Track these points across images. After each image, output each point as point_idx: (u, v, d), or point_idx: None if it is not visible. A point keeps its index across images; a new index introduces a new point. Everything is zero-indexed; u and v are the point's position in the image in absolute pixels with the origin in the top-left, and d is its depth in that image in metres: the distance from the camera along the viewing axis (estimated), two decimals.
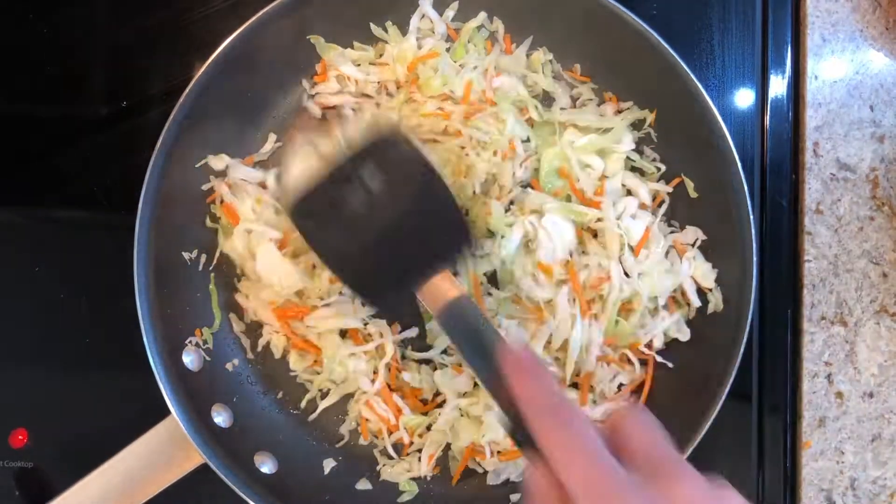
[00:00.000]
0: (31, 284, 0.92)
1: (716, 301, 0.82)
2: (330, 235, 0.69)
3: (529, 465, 0.51)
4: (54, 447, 0.89)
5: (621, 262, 0.82)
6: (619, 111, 0.87)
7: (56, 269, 0.92)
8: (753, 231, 0.78)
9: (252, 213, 0.85)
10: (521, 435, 0.52)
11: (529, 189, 0.86)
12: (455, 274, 0.68)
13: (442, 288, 0.66)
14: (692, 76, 0.79)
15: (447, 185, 0.70)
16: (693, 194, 0.85)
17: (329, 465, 0.87)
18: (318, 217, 0.69)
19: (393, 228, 0.68)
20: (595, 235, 0.85)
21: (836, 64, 0.92)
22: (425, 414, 0.86)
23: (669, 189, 0.86)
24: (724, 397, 0.77)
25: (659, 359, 0.83)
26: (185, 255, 0.86)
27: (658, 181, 0.87)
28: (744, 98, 0.90)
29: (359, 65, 0.89)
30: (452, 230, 0.69)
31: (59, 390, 0.91)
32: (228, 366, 0.87)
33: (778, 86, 0.91)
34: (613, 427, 0.52)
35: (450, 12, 0.89)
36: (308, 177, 0.69)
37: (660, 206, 0.86)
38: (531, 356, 0.56)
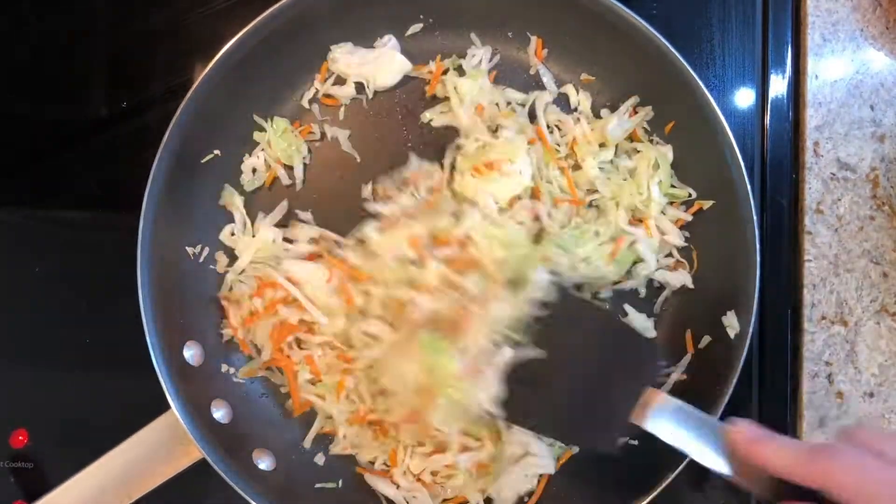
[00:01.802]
0: (31, 284, 0.92)
1: (732, 324, 0.82)
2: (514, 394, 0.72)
3: None
4: (54, 447, 0.89)
5: None
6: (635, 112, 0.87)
7: (56, 269, 0.92)
8: (756, 231, 0.78)
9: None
10: (778, 492, 0.58)
11: None
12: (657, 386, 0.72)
13: (649, 402, 0.69)
14: (695, 77, 0.79)
15: (610, 312, 0.77)
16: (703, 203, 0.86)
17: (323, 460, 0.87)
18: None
19: (578, 372, 0.72)
20: None
21: (837, 63, 0.92)
22: None
23: (689, 217, 0.86)
24: (728, 396, 0.78)
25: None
26: (189, 250, 0.86)
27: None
28: (744, 98, 0.90)
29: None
30: (635, 351, 0.74)
31: (59, 390, 0.91)
32: (227, 366, 0.88)
33: (778, 85, 0.91)
34: (857, 440, 0.57)
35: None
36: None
37: None
38: (755, 426, 0.62)
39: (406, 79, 0.90)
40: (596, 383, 0.71)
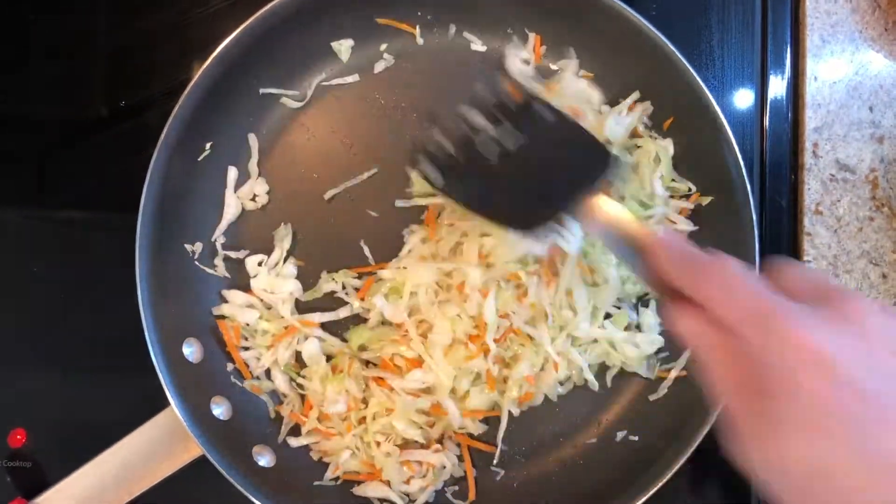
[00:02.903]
0: (31, 284, 0.92)
1: None
2: (463, 179, 0.74)
3: (682, 314, 0.54)
4: (53, 446, 0.89)
5: None
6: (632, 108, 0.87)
7: (56, 269, 0.92)
8: (756, 232, 0.78)
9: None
10: (676, 297, 0.56)
11: None
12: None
13: (599, 207, 0.69)
14: (697, 77, 0.79)
15: (582, 126, 0.75)
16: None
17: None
18: (459, 169, 0.74)
19: (535, 168, 0.73)
20: None
21: (836, 65, 0.92)
22: None
23: (692, 206, 0.86)
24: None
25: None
26: (188, 247, 0.86)
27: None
28: (743, 98, 0.91)
29: None
30: (594, 156, 0.73)
31: (59, 390, 0.91)
32: (230, 365, 0.88)
33: (777, 86, 0.91)
34: (771, 275, 0.54)
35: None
36: (440, 138, 0.74)
37: None
38: (667, 233, 0.61)
39: None
40: (550, 175, 0.73)
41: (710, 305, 0.51)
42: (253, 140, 0.89)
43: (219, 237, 0.88)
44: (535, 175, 0.73)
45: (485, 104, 0.73)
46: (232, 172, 0.88)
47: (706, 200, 0.85)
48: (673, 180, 0.85)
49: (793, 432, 0.46)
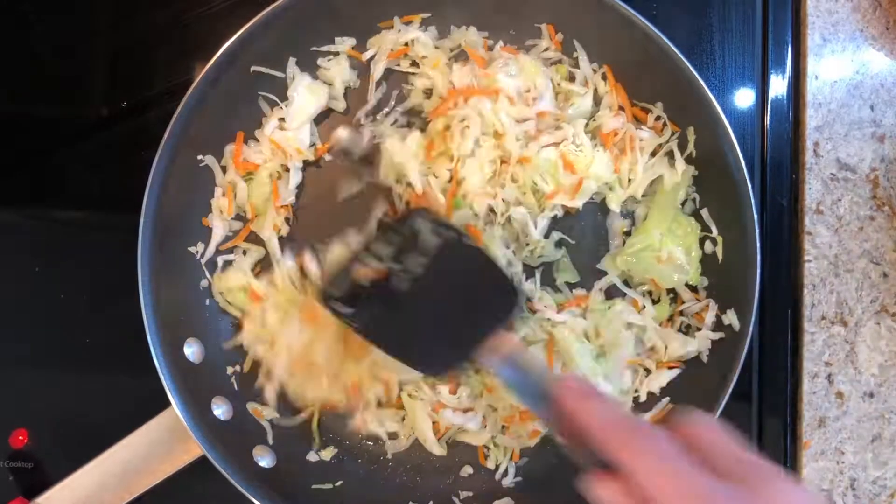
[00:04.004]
0: (31, 284, 0.92)
1: (732, 323, 0.82)
2: (374, 317, 0.74)
3: (603, 485, 0.52)
4: (54, 447, 0.89)
5: None
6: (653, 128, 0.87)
7: (56, 269, 0.92)
8: (756, 231, 0.78)
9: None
10: (594, 461, 0.53)
11: None
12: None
13: (497, 344, 0.70)
14: (697, 76, 0.79)
15: (485, 252, 0.76)
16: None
17: (326, 457, 0.88)
18: (357, 300, 0.74)
19: (441, 302, 0.74)
20: None
21: (837, 64, 0.92)
22: None
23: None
24: (727, 396, 0.78)
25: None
26: (191, 249, 0.86)
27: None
28: (744, 98, 0.90)
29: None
30: (499, 292, 0.75)
31: (59, 390, 0.91)
32: (230, 369, 0.88)
33: (778, 86, 0.91)
34: (688, 436, 0.52)
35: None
36: (340, 263, 0.77)
37: None
38: (586, 383, 0.59)
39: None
40: (457, 315, 0.73)
41: (640, 479, 0.49)
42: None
43: (209, 255, 0.88)
44: (442, 310, 0.73)
45: (377, 236, 0.76)
46: (217, 192, 0.88)
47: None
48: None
49: None
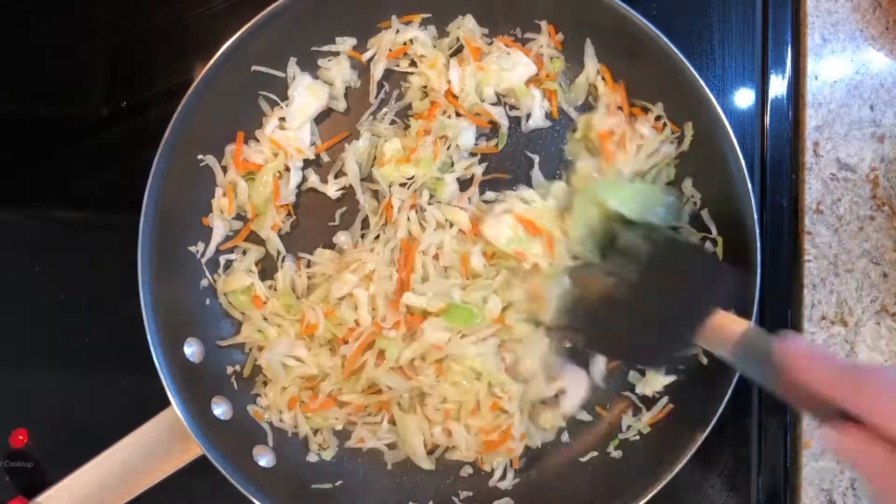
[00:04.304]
0: (31, 284, 0.92)
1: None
2: (603, 329, 0.78)
3: (848, 436, 0.52)
4: (54, 447, 0.89)
5: None
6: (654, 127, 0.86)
7: (56, 269, 0.92)
8: (756, 231, 0.78)
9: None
10: (834, 415, 0.54)
11: None
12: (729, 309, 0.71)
13: (722, 327, 0.69)
14: (697, 76, 0.79)
15: (686, 241, 0.79)
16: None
17: (326, 457, 0.88)
18: (586, 319, 0.78)
19: (654, 300, 0.75)
20: None
21: (837, 64, 0.92)
22: None
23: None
24: (729, 394, 0.78)
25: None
26: (191, 248, 0.86)
27: None
28: (744, 98, 0.90)
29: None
30: (707, 272, 0.76)
31: (59, 390, 0.91)
32: (230, 369, 0.88)
33: (778, 86, 0.91)
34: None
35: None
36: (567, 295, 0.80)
37: None
38: (804, 343, 0.60)
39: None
40: (674, 306, 0.73)
41: (877, 421, 0.49)
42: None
43: (209, 255, 0.88)
44: (659, 305, 0.74)
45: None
46: (218, 192, 0.88)
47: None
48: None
49: None
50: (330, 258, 0.88)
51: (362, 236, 0.88)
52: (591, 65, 0.88)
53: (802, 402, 0.59)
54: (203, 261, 0.87)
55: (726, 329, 0.68)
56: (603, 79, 0.87)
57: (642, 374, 0.86)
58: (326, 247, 0.89)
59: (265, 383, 0.87)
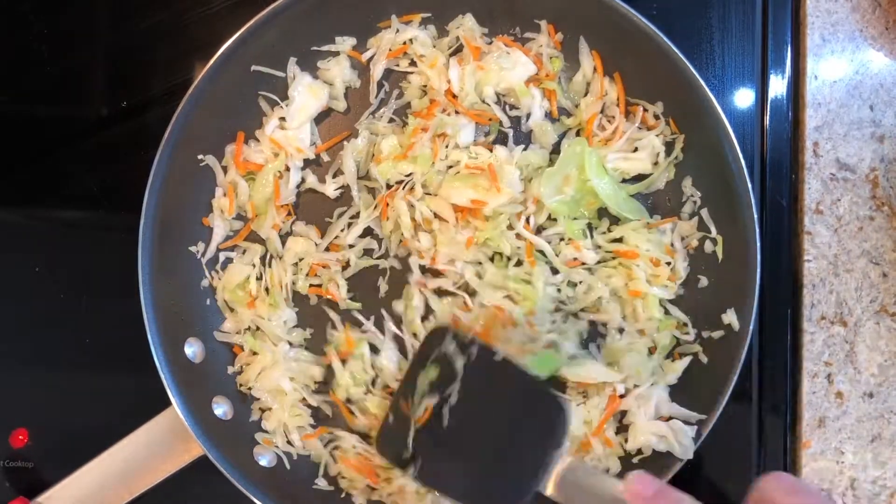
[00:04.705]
0: (31, 284, 0.92)
1: (732, 322, 0.81)
2: (433, 463, 0.72)
3: None
4: (54, 447, 0.89)
5: None
6: (649, 128, 0.86)
7: (56, 269, 0.92)
8: (756, 231, 0.78)
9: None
10: None
11: None
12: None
13: (567, 474, 0.68)
14: (698, 76, 0.79)
15: (516, 364, 0.73)
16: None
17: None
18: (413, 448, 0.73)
19: (489, 429, 0.71)
20: None
21: (836, 64, 0.92)
22: None
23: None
24: (727, 396, 0.78)
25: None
26: (191, 248, 0.86)
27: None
28: (744, 98, 0.90)
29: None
30: (544, 407, 0.72)
31: (60, 390, 0.91)
32: (230, 368, 0.88)
33: (778, 86, 0.91)
34: (763, 500, 0.55)
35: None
36: (388, 415, 0.75)
37: None
38: (652, 481, 0.60)
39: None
40: (506, 444, 0.70)
41: None
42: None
43: (210, 255, 0.88)
44: (492, 438, 0.71)
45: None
46: (218, 192, 0.88)
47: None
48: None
49: None
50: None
51: (349, 225, 0.88)
52: (587, 63, 0.88)
53: None
54: (203, 260, 0.87)
55: (577, 479, 0.67)
56: (595, 69, 0.87)
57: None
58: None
59: (262, 410, 0.87)
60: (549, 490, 0.67)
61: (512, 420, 0.71)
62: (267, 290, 0.87)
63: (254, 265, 0.87)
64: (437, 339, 0.75)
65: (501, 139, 0.89)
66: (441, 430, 0.71)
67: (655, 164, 0.86)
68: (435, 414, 0.72)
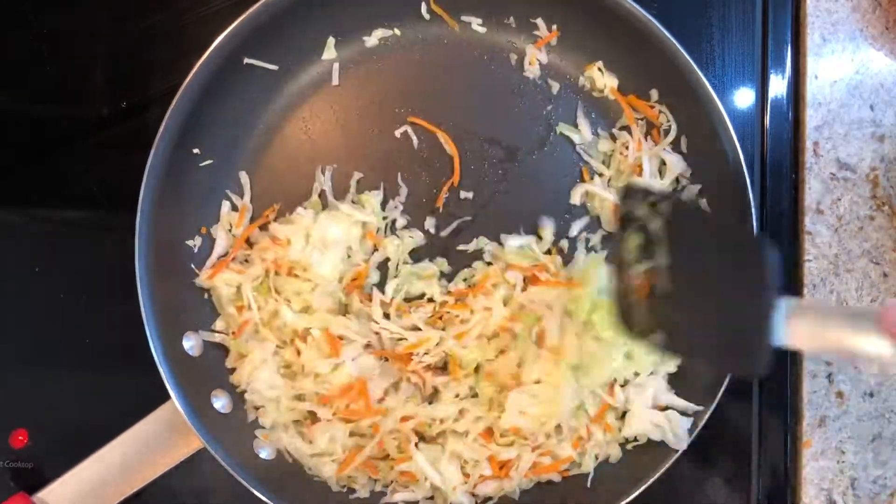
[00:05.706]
0: (31, 284, 0.92)
1: None
2: (670, 324, 0.67)
3: None
4: (54, 447, 0.89)
5: None
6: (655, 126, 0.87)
7: (56, 269, 0.92)
8: (756, 231, 0.79)
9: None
10: None
11: None
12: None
13: (799, 321, 0.63)
14: (700, 75, 0.79)
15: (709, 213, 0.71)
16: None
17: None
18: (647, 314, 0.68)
19: (706, 284, 0.67)
20: None
21: (836, 63, 0.92)
22: None
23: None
24: (723, 394, 0.78)
25: None
26: (189, 243, 0.86)
27: None
28: (744, 98, 0.90)
29: None
30: (753, 258, 0.66)
31: (60, 390, 0.91)
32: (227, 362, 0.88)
33: (778, 86, 0.91)
34: None
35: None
36: (618, 290, 0.69)
37: None
38: None
39: None
40: (731, 293, 0.66)
41: None
42: (244, 178, 0.89)
43: (209, 264, 0.88)
44: (713, 293, 0.66)
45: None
46: (225, 208, 0.88)
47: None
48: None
49: None
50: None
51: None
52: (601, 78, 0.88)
53: None
54: (203, 260, 0.87)
55: (810, 323, 0.62)
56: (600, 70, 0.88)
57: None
58: None
59: (256, 408, 0.87)
60: (790, 338, 0.63)
61: (723, 267, 0.67)
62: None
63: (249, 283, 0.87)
64: (629, 203, 0.70)
65: None
66: (667, 292, 0.67)
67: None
68: (656, 277, 0.68)
